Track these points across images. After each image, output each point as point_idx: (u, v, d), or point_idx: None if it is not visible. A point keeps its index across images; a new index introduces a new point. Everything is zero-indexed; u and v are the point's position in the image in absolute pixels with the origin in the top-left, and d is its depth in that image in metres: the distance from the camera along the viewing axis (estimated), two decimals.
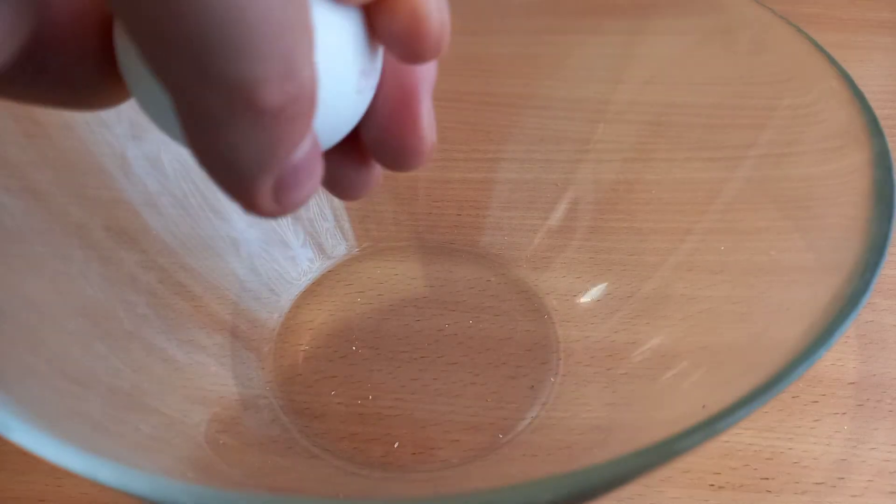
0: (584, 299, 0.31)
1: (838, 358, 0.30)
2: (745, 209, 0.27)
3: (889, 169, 0.21)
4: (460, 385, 0.29)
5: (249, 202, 0.13)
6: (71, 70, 0.14)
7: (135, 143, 0.29)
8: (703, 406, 0.17)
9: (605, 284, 0.31)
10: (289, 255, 0.33)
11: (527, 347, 0.30)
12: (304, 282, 0.32)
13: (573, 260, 0.32)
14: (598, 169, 0.32)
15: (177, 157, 0.30)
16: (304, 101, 0.12)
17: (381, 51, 0.14)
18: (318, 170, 0.13)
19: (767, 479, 0.26)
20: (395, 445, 0.27)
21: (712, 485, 0.26)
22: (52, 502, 0.26)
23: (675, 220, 0.30)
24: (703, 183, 0.29)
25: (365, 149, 0.16)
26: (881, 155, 0.21)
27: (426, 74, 0.15)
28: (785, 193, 0.25)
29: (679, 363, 0.26)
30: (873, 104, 0.22)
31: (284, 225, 0.33)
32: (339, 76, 0.13)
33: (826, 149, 0.23)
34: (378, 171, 0.17)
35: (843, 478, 0.26)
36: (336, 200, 0.34)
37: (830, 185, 0.23)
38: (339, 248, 0.33)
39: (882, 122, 0.22)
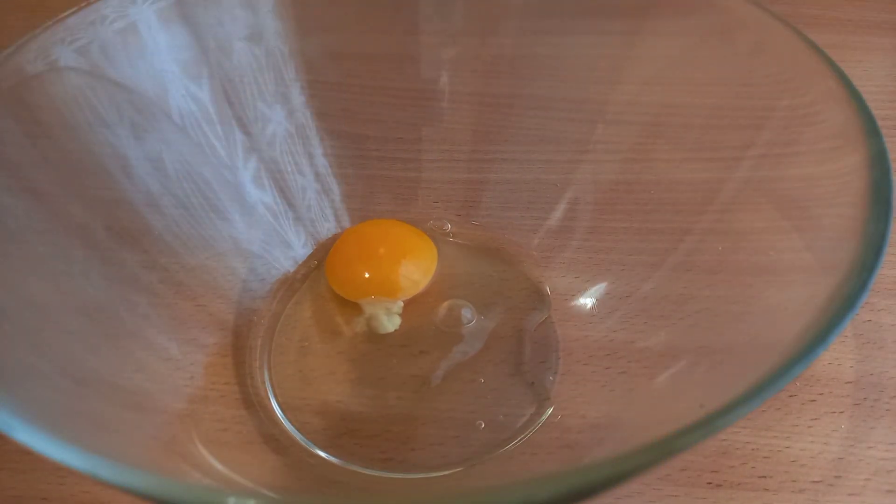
0: (584, 299, 0.31)
1: (836, 357, 0.30)
2: (744, 209, 0.27)
3: (886, 169, 0.21)
4: (460, 382, 0.29)
5: None
6: None
7: (136, 143, 0.29)
8: (701, 405, 0.17)
9: (605, 284, 0.31)
10: (290, 254, 0.33)
11: (526, 346, 0.30)
12: (304, 280, 0.32)
13: (572, 259, 0.32)
14: (597, 169, 0.32)
15: (178, 158, 0.30)
16: None
17: None
18: None
19: (765, 477, 0.27)
20: (395, 442, 0.27)
21: (710, 483, 0.26)
22: (54, 500, 0.26)
23: (674, 221, 0.30)
24: (702, 183, 0.29)
25: None
26: (879, 155, 0.21)
27: None
28: (783, 194, 0.25)
29: (677, 362, 0.26)
30: (871, 105, 0.22)
31: (286, 225, 0.33)
32: None
33: (824, 149, 0.23)
34: None
35: (840, 476, 0.26)
36: (337, 200, 0.34)
37: (828, 186, 0.23)
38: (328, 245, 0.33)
39: (880, 123, 0.22)
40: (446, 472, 0.26)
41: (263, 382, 0.29)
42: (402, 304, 0.30)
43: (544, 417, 0.27)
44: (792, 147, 0.25)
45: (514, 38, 0.33)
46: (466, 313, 0.31)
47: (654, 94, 0.30)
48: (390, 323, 0.30)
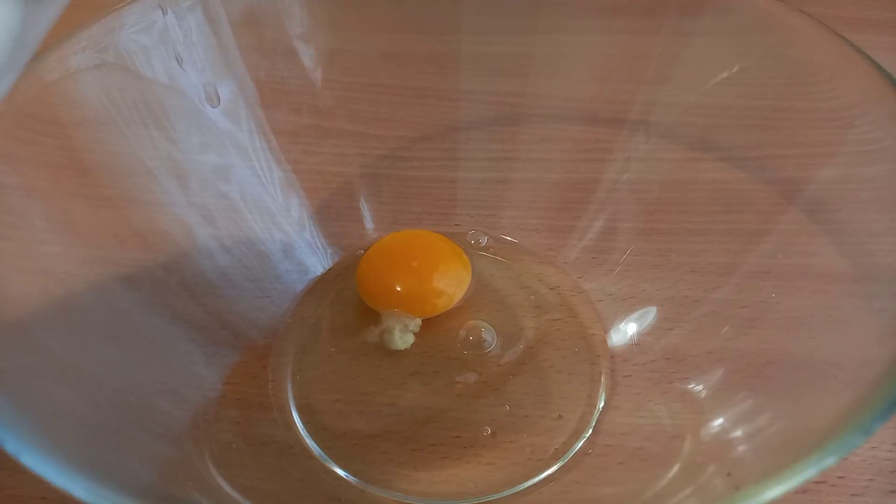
0: (624, 328, 0.30)
1: None
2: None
3: None
4: (461, 383, 0.29)
5: None
6: None
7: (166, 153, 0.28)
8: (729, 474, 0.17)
9: (652, 310, 0.30)
10: (291, 254, 0.32)
11: (529, 344, 0.30)
12: (306, 280, 0.32)
13: (577, 260, 0.32)
14: (603, 168, 0.32)
15: (206, 162, 0.30)
16: None
17: None
18: None
19: None
20: (395, 442, 0.27)
21: None
22: (53, 501, 0.26)
23: (719, 222, 0.29)
24: (763, 202, 0.28)
25: None
26: None
27: None
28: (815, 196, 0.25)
29: (723, 414, 0.25)
30: None
31: (288, 225, 0.32)
32: None
33: (860, 152, 0.24)
34: None
35: (843, 477, 0.26)
36: (370, 206, 0.34)
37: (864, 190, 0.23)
38: (343, 246, 0.33)
39: None
40: (445, 474, 0.26)
41: (265, 383, 0.29)
42: (419, 321, 0.30)
43: (545, 419, 0.27)
44: (825, 148, 0.25)
45: (519, 37, 0.32)
46: (488, 336, 0.30)
47: (666, 93, 0.30)
48: (402, 340, 0.29)
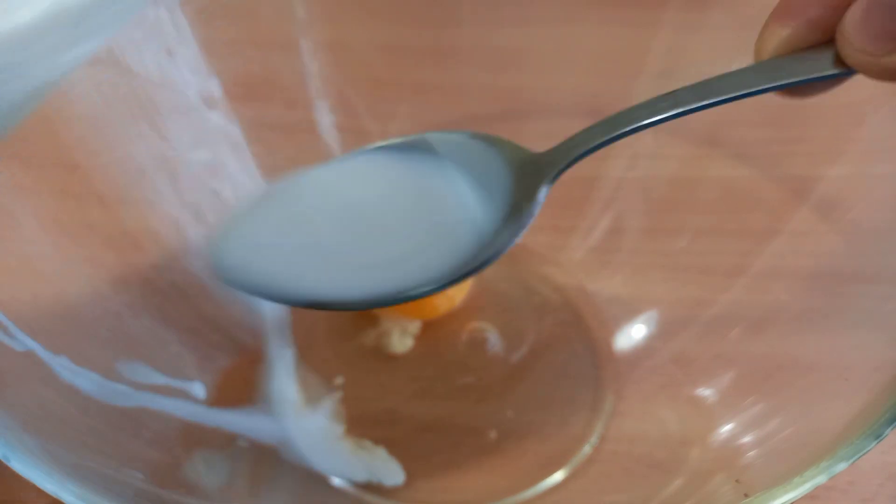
0: (628, 329, 0.30)
1: None
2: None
3: None
4: (462, 388, 0.28)
5: None
6: None
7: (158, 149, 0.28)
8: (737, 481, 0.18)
9: (654, 312, 0.30)
10: None
11: (532, 348, 0.29)
12: None
13: (582, 261, 0.32)
14: (608, 165, 0.31)
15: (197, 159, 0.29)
16: None
17: None
18: None
19: None
20: (394, 450, 0.27)
21: None
22: None
23: (729, 221, 0.29)
24: (769, 202, 0.28)
25: None
26: None
27: None
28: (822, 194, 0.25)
29: (731, 420, 0.25)
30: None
31: None
32: None
33: (872, 149, 0.23)
34: None
35: (853, 482, 0.26)
36: None
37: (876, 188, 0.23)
38: None
39: None
40: (445, 478, 0.26)
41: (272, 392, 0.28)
42: (419, 324, 0.30)
43: (547, 424, 0.27)
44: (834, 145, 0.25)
45: (524, 29, 0.32)
46: (490, 339, 0.30)
47: (672, 87, 0.30)
48: (400, 344, 0.29)
